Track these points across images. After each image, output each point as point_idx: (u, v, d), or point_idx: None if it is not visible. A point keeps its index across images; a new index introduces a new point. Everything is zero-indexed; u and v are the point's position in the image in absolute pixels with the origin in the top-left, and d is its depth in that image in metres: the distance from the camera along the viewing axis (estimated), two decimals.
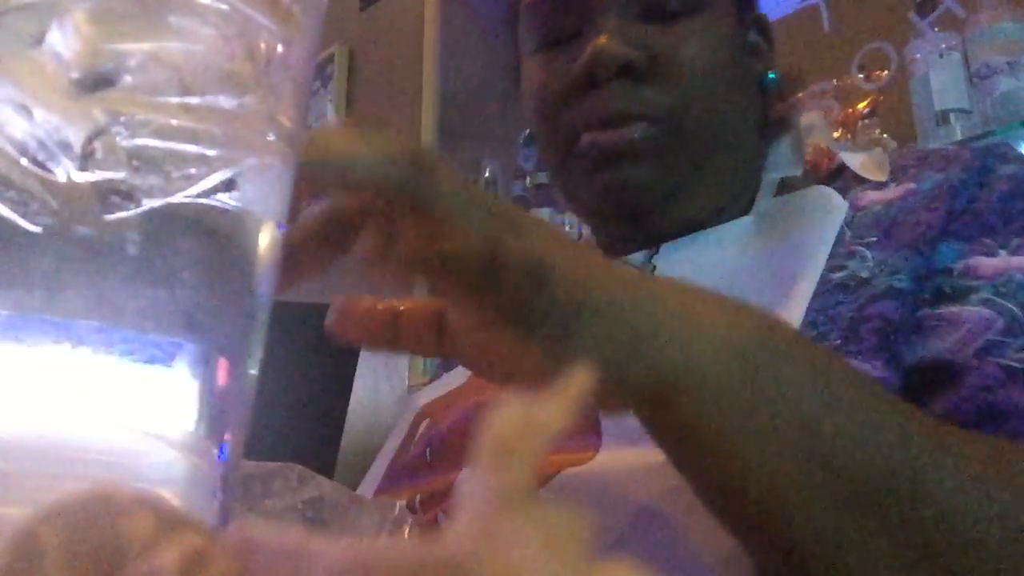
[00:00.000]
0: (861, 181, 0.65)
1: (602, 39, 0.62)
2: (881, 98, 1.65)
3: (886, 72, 1.67)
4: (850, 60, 1.68)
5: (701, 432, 0.38)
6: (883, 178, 0.65)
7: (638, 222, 0.67)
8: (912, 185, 0.61)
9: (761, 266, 0.61)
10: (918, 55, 1.53)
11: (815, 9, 1.77)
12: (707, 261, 0.64)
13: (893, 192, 0.62)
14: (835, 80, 1.62)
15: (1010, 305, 0.52)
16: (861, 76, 1.67)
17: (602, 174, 0.64)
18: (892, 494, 0.37)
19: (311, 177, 0.33)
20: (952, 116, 1.47)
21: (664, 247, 0.66)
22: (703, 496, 0.41)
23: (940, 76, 1.49)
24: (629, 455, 0.52)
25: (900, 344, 0.53)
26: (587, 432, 0.55)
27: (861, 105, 1.64)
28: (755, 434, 0.38)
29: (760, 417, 0.38)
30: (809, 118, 0.74)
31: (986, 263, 0.55)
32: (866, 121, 1.59)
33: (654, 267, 0.65)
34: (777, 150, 0.70)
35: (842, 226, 0.60)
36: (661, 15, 0.64)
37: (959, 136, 1.46)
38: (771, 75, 0.71)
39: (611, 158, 0.63)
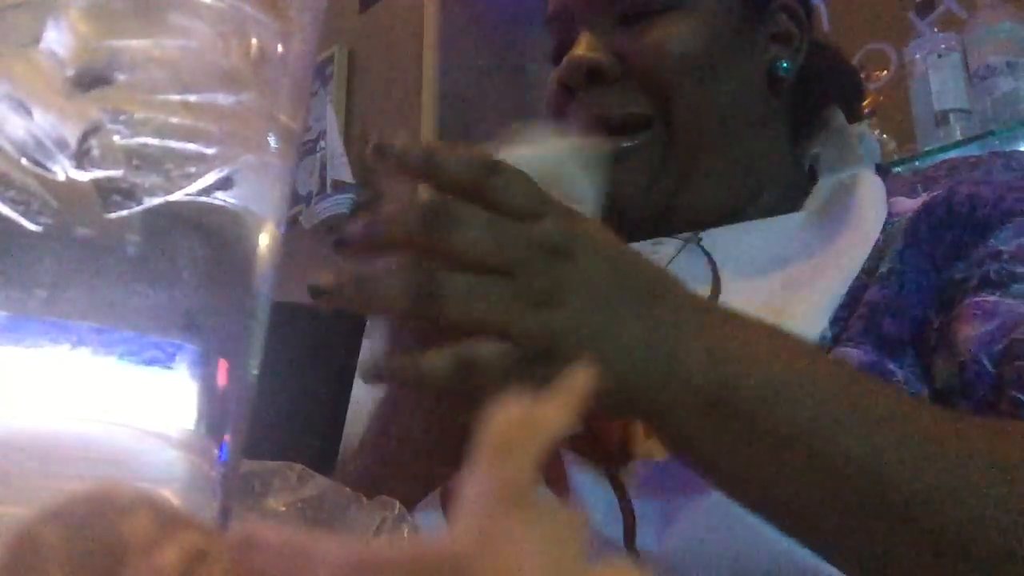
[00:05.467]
0: (901, 185, 0.66)
1: (575, 48, 0.66)
2: (881, 98, 1.65)
3: (886, 72, 1.67)
4: (849, 60, 1.68)
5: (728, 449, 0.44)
6: None
7: (637, 224, 0.68)
8: (942, 192, 0.63)
9: (801, 262, 0.62)
10: (918, 55, 1.53)
11: (815, 9, 1.77)
12: (750, 250, 0.65)
13: (922, 200, 0.63)
14: None
15: None
16: (861, 76, 1.67)
17: None
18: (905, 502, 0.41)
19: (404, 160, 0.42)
20: (952, 116, 1.47)
21: (705, 234, 0.66)
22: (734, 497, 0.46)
23: (940, 76, 1.49)
24: None
25: (888, 327, 0.56)
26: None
27: None
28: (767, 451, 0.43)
29: (774, 438, 0.42)
30: (860, 127, 0.74)
31: None
32: (866, 121, 1.59)
33: (700, 239, 0.66)
34: (825, 152, 0.71)
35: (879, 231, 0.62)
36: (642, 18, 0.65)
37: (958, 136, 1.45)
38: (784, 64, 0.70)
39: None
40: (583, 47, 0.65)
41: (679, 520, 0.50)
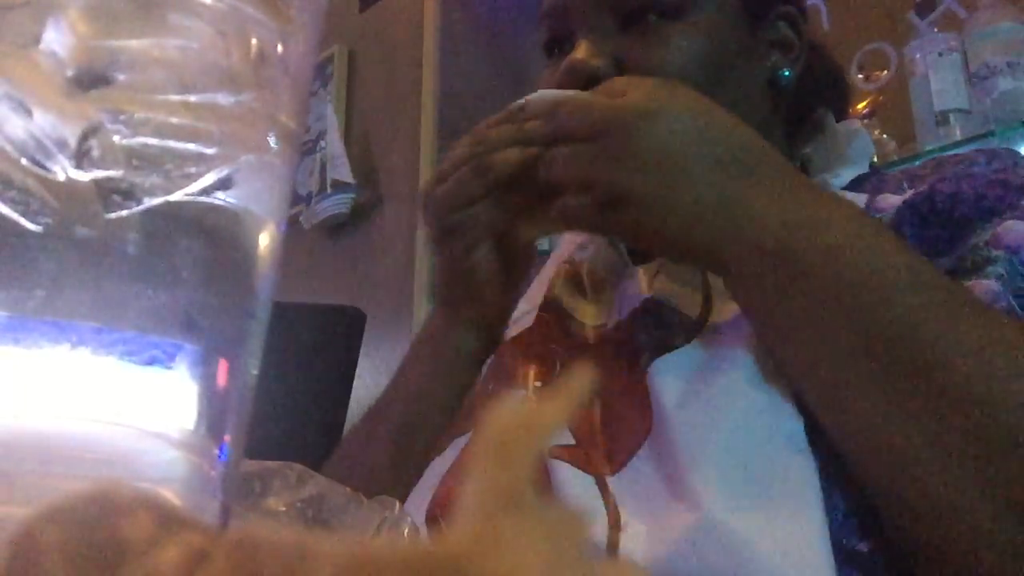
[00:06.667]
0: (890, 183, 0.67)
1: (575, 52, 0.66)
2: (880, 98, 1.65)
3: (885, 72, 1.67)
4: (849, 60, 1.68)
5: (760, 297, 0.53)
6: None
7: None
8: (925, 189, 0.63)
9: None
10: (917, 55, 1.53)
11: (815, 9, 1.77)
12: None
13: (904, 196, 0.63)
14: None
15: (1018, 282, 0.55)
16: (860, 76, 1.67)
17: None
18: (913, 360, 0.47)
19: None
20: (951, 116, 1.47)
21: None
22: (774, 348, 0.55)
23: (939, 76, 1.49)
24: None
25: None
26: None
27: (860, 105, 1.64)
28: (802, 303, 0.50)
29: (804, 285, 0.50)
30: (852, 123, 0.74)
31: (1014, 229, 0.56)
32: (865, 121, 1.59)
33: None
34: (816, 154, 0.72)
35: None
36: (642, 24, 0.66)
37: (958, 136, 1.45)
38: (786, 72, 0.70)
39: None
40: (583, 52, 0.65)
41: (664, 531, 0.50)
